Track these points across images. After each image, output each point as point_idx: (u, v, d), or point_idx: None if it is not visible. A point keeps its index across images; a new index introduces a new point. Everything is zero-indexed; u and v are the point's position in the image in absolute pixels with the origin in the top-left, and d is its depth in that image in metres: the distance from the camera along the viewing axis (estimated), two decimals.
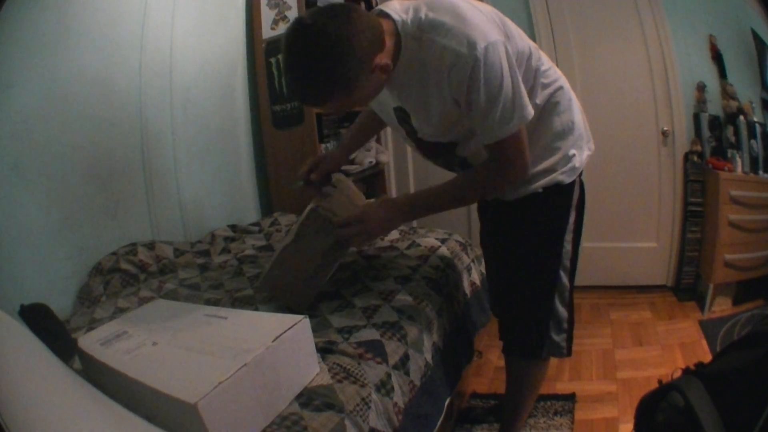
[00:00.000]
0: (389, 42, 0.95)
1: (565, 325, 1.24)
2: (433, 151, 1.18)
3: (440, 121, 1.04)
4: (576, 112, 1.17)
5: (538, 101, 1.09)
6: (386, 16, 0.97)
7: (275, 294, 1.21)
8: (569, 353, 1.26)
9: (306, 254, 1.15)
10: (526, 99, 0.99)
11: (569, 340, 1.26)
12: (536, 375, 1.34)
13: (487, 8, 1.01)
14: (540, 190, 1.14)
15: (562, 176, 1.14)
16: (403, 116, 1.11)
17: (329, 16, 0.86)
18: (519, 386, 1.36)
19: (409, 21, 0.95)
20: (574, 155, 1.15)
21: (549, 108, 1.12)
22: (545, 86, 1.10)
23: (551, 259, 1.19)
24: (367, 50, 0.89)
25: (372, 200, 1.24)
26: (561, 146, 1.14)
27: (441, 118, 1.03)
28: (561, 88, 1.14)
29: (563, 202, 1.18)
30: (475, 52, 0.89)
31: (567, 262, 1.20)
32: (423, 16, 0.94)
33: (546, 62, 1.12)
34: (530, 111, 0.99)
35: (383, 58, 0.92)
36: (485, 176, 1.07)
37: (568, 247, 1.19)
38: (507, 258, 1.26)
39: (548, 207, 1.17)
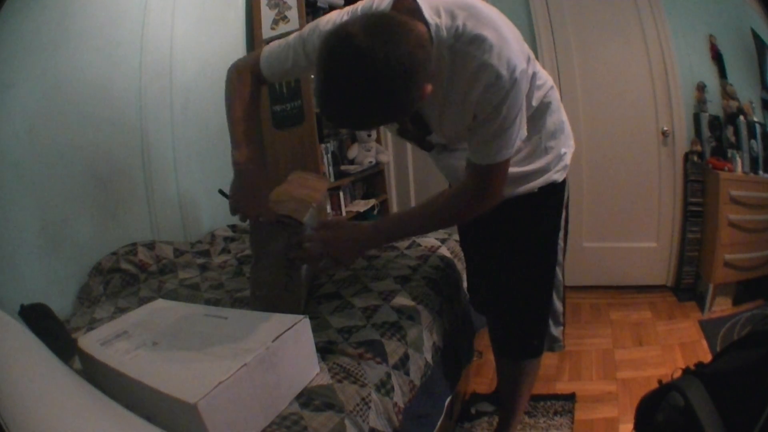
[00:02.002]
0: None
1: (562, 319, 1.30)
2: (423, 145, 1.16)
3: (454, 130, 1.03)
4: (563, 111, 1.20)
5: (534, 103, 1.09)
6: (416, 11, 0.88)
7: (268, 309, 1.21)
8: (564, 345, 1.33)
9: (271, 265, 1.14)
10: (524, 122, 0.98)
11: (563, 332, 1.32)
12: (531, 372, 1.36)
13: (510, 24, 0.97)
14: (536, 190, 1.15)
15: (556, 175, 1.16)
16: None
17: (392, 43, 0.75)
18: (516, 386, 1.37)
19: (444, 27, 0.87)
20: (565, 153, 1.18)
21: (542, 108, 1.12)
22: (539, 87, 1.10)
23: (550, 258, 1.22)
24: (423, 82, 0.81)
25: (332, 219, 1.21)
26: (554, 145, 1.15)
27: (455, 127, 1.02)
28: (552, 87, 1.14)
29: (557, 201, 1.21)
30: (513, 76, 0.87)
31: (561, 259, 1.25)
32: (461, 25, 0.87)
33: (537, 64, 1.11)
34: (524, 135, 0.99)
35: (429, 87, 0.83)
36: (461, 201, 1.06)
37: (561, 243, 1.23)
38: (506, 260, 1.25)
39: (544, 206, 1.19)
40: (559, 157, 1.16)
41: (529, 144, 1.13)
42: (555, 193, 1.18)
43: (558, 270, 1.25)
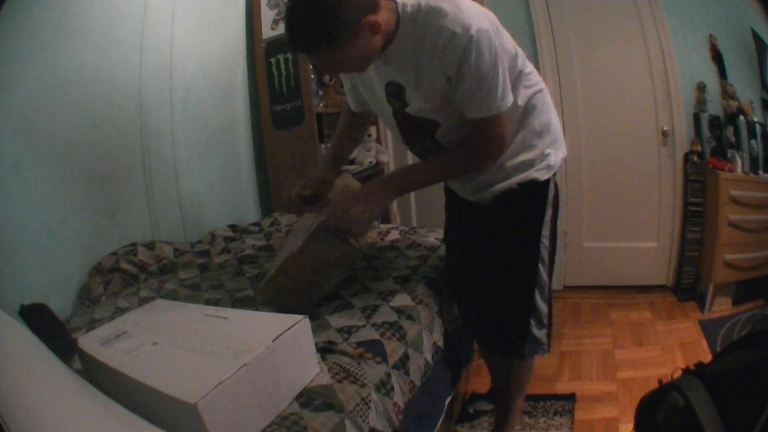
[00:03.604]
0: (386, 13, 1.00)
1: (546, 321, 1.27)
2: (414, 132, 1.20)
3: (431, 94, 1.08)
4: (553, 115, 1.23)
5: (519, 102, 1.15)
6: None
7: (275, 300, 1.21)
8: (549, 349, 1.30)
9: (310, 265, 1.16)
10: (509, 87, 1.06)
11: (549, 336, 1.29)
12: (522, 372, 1.36)
13: (482, 8, 1.07)
14: (515, 186, 1.17)
15: (538, 173, 1.18)
16: (394, 91, 1.13)
17: None
18: (507, 385, 1.38)
19: (409, 6, 1.02)
20: (549, 154, 1.20)
21: (529, 108, 1.18)
22: (527, 87, 1.17)
23: (531, 255, 1.22)
24: (359, 6, 0.94)
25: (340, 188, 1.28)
26: (537, 144, 1.19)
27: (432, 91, 1.07)
28: (541, 90, 1.20)
29: (539, 198, 1.22)
30: (468, 33, 0.96)
31: (546, 258, 1.23)
32: (423, 2, 1.01)
33: (529, 66, 1.19)
34: (510, 99, 1.07)
35: (373, 18, 0.96)
36: (465, 154, 1.14)
37: (545, 242, 1.23)
38: (486, 256, 1.26)
39: (524, 203, 1.20)
40: (543, 156, 1.19)
41: (513, 141, 1.17)
42: (537, 192, 1.20)
43: (542, 269, 1.23)
